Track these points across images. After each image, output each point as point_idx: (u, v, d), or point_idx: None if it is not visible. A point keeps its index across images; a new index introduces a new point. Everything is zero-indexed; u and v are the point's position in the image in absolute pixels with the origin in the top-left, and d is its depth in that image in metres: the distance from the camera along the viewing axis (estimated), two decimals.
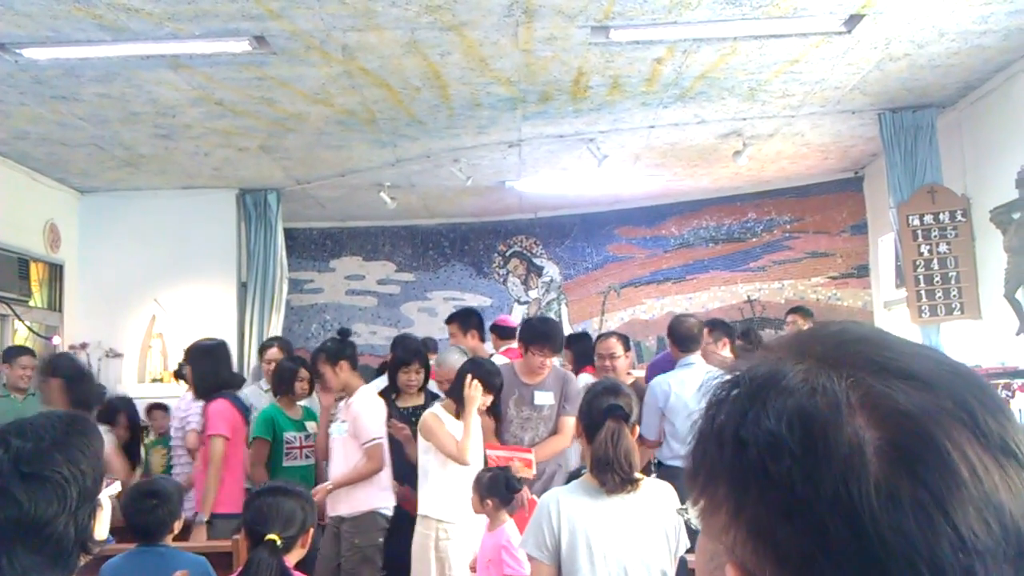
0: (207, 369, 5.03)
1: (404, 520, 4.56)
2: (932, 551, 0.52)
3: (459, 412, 4.26)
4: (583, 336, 6.69)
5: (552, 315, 9.40)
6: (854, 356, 0.59)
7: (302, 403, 5.37)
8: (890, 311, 7.84)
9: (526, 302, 9.84)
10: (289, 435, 5.11)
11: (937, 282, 6.24)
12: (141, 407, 6.52)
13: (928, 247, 6.28)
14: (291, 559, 2.67)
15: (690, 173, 8.19)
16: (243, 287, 8.12)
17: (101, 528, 1.55)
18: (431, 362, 5.23)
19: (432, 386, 5.20)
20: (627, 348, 5.53)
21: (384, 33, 4.75)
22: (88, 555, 1.53)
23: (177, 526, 3.21)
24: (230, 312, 8.03)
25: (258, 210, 8.12)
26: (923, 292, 6.28)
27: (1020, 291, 5.62)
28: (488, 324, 6.10)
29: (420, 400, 4.99)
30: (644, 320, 9.40)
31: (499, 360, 5.15)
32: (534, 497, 3.97)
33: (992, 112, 5.93)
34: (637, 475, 2.73)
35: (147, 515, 3.09)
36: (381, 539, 4.60)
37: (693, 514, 0.64)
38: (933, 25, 4.89)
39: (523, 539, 2.80)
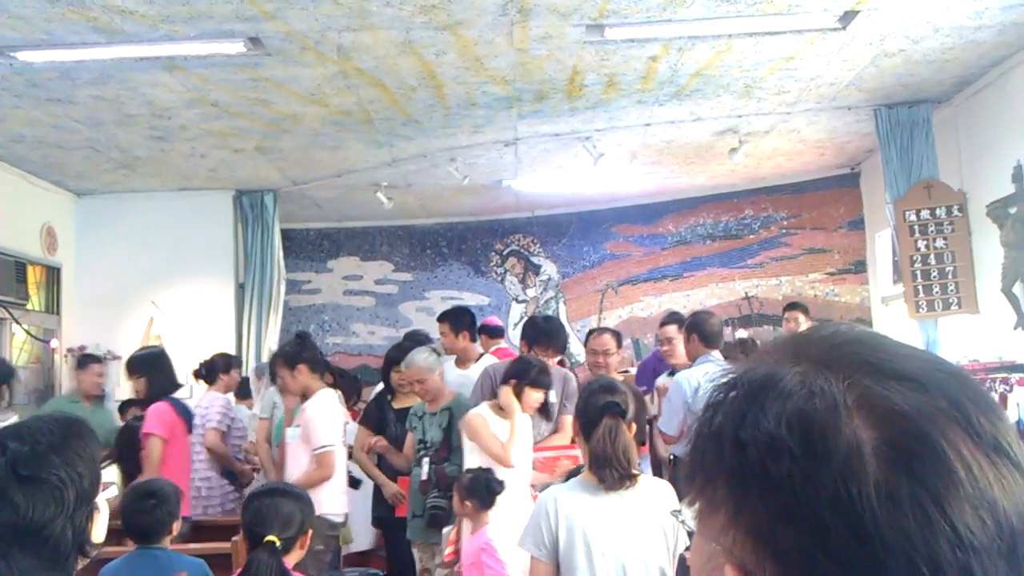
0: (160, 374, 5.04)
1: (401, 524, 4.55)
2: (930, 549, 0.53)
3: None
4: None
5: (550, 313, 9.40)
6: (849, 358, 0.60)
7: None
8: (887, 306, 7.85)
9: (524, 301, 9.84)
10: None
11: (934, 277, 6.24)
12: None
13: (925, 242, 6.29)
14: (290, 560, 2.67)
15: (686, 170, 8.19)
16: (240, 288, 8.12)
17: (98, 531, 1.55)
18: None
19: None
20: (619, 345, 5.52)
21: (379, 33, 4.75)
22: (86, 558, 1.53)
23: (176, 527, 3.20)
24: (228, 313, 8.03)
25: (255, 211, 8.11)
26: (920, 287, 6.29)
27: (1017, 285, 5.63)
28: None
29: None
30: (642, 318, 9.40)
31: (489, 360, 5.13)
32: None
33: (987, 107, 5.93)
34: (635, 471, 2.73)
35: (146, 515, 3.09)
36: (330, 543, 4.54)
37: (688, 515, 0.65)
38: (928, 20, 4.89)
39: (521, 537, 2.79)
